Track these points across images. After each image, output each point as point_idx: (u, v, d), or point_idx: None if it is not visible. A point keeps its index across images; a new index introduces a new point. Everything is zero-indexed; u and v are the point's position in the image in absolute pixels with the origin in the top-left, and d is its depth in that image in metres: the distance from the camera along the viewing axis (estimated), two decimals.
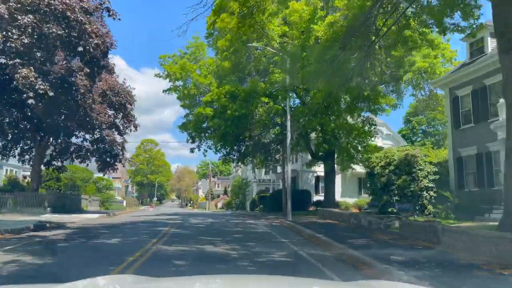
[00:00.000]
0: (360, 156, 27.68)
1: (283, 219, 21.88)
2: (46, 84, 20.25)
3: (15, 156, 29.98)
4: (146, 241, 11.11)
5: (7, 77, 21.08)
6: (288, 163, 22.57)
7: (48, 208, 26.39)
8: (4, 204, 24.58)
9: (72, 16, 20.24)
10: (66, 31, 20.38)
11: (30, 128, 26.19)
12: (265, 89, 24.04)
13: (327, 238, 11.83)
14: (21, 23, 19.21)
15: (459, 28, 12.97)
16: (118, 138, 30.59)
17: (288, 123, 22.05)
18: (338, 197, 32.87)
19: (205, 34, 28.26)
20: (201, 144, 30.10)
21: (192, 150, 30.19)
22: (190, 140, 29.59)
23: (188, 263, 7.62)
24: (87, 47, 21.10)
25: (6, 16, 19.06)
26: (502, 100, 14.45)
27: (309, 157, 31.53)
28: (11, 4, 19.36)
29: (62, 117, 24.94)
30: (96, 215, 26.09)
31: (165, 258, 8.19)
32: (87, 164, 32.21)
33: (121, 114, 29.08)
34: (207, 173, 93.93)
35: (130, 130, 30.78)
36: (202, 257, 8.48)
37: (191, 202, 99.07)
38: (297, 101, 29.15)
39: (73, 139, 30.63)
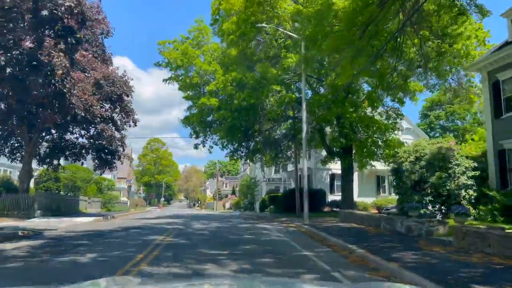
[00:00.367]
0: (381, 152, 24.95)
1: (298, 222, 19.25)
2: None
3: (5, 155, 27.71)
4: (129, 257, 8.52)
5: None
6: (305, 159, 19.88)
7: (38, 211, 24.05)
8: None
9: None
10: None
11: (17, 124, 23.76)
12: (276, 75, 21.26)
13: (363, 250, 9.17)
14: None
15: None
16: (117, 134, 28.02)
17: (304, 114, 19.33)
18: (355, 196, 30.04)
19: (210, 21, 25.69)
20: (206, 140, 27.45)
21: (196, 146, 27.58)
22: (194, 135, 26.96)
23: None
24: (55, 10, 17.59)
25: None
26: None
27: (324, 153, 28.82)
28: None
29: (36, 105, 21.84)
30: (92, 219, 23.69)
31: None
32: (82, 163, 29.76)
33: (119, 107, 26.56)
34: (215, 172, 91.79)
35: (129, 126, 28.30)
36: None
37: (199, 202, 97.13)
38: (309, 92, 26.41)
39: (68, 136, 28.27)
